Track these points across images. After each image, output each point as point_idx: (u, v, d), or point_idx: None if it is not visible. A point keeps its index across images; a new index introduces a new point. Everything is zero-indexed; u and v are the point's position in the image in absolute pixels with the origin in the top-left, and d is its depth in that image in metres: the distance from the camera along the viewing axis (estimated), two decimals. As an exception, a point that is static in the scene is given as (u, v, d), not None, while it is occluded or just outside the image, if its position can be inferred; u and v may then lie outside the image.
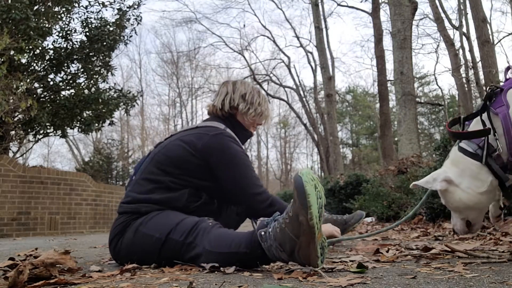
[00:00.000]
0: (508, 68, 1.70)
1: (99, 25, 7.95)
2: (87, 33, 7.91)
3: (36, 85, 7.84)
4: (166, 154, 1.92)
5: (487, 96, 1.61)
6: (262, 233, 1.49)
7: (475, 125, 1.64)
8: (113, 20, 8.15)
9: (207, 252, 1.60)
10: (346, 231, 2.69)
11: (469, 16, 12.85)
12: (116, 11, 8.28)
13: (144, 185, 1.87)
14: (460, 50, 14.54)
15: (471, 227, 1.68)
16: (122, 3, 8.34)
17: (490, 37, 9.90)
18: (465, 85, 13.11)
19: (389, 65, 17.12)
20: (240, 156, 1.91)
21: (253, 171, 1.97)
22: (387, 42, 16.78)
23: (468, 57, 14.06)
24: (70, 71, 8.04)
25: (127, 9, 8.35)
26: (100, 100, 7.81)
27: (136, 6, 8.46)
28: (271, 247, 1.45)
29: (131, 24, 8.48)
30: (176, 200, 1.84)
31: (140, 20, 8.59)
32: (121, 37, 8.31)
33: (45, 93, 7.98)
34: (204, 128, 1.98)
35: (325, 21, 18.50)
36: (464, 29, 14.30)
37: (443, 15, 13.30)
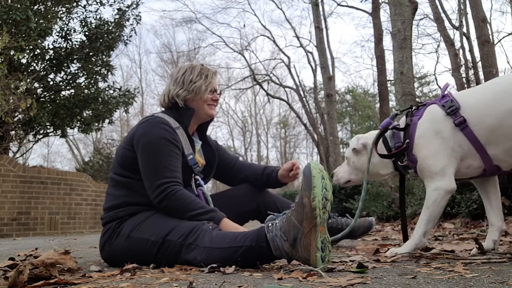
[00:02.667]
0: (446, 86, 1.90)
1: (98, 24, 7.95)
2: (86, 33, 7.91)
3: (36, 85, 7.83)
4: (115, 158, 1.99)
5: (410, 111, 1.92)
6: (270, 224, 1.54)
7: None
8: (112, 20, 8.14)
9: (208, 250, 1.60)
10: (353, 238, 2.69)
11: (469, 16, 12.83)
12: (116, 11, 8.28)
13: (112, 191, 1.94)
14: (460, 50, 14.51)
15: (347, 183, 2.11)
16: (121, 3, 8.34)
17: (490, 37, 9.88)
18: (465, 85, 13.10)
19: (389, 65, 17.07)
20: (154, 142, 1.83)
21: (167, 160, 1.82)
22: (387, 42, 16.73)
23: (468, 57, 14.02)
24: (70, 71, 8.04)
25: (126, 9, 8.34)
26: (100, 99, 7.80)
27: (135, 6, 8.45)
28: (275, 237, 1.49)
29: (131, 24, 8.48)
30: (141, 196, 1.86)
31: (140, 20, 8.58)
32: (121, 36, 8.31)
33: (45, 93, 7.97)
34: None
35: (325, 21, 18.46)
36: (464, 29, 14.26)
37: (443, 15, 13.27)
